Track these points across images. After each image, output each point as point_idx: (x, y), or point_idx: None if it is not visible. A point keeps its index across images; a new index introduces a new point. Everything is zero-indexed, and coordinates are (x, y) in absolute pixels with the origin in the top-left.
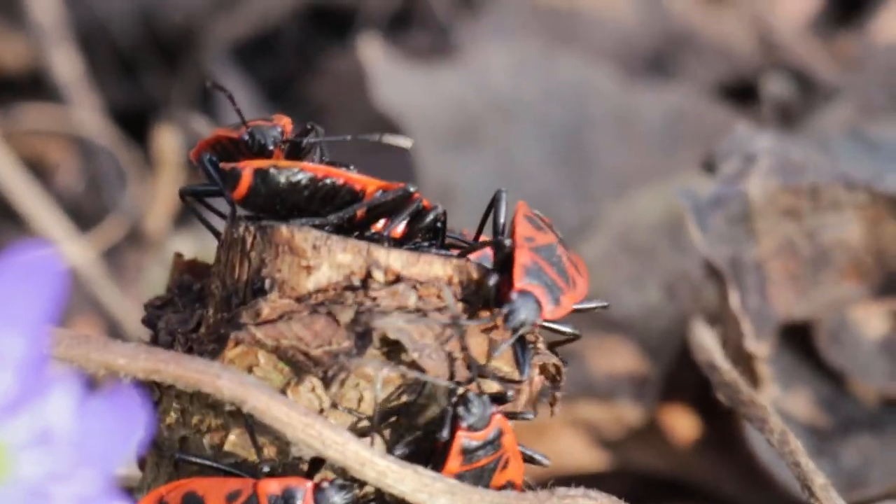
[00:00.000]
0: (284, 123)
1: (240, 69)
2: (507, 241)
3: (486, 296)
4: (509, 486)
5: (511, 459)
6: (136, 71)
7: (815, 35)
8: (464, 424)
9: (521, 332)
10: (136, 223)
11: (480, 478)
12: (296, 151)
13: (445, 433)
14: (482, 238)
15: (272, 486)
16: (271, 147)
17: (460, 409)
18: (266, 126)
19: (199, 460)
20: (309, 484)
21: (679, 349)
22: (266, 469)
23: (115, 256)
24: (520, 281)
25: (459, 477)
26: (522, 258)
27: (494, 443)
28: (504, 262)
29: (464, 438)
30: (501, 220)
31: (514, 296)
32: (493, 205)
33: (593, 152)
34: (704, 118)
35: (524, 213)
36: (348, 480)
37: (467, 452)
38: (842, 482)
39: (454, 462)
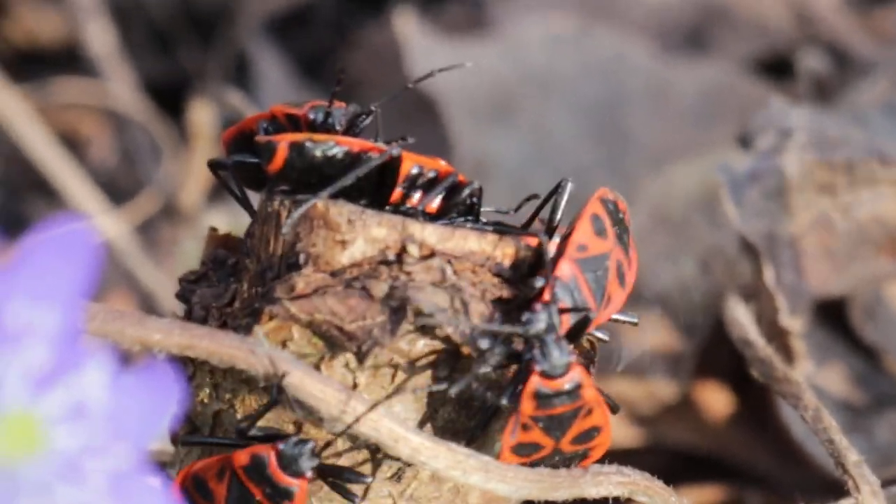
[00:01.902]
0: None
1: (275, 43)
2: (553, 243)
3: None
4: (594, 431)
5: (595, 408)
6: (170, 45)
7: (850, 9)
8: (537, 368)
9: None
10: (170, 197)
11: (559, 425)
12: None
13: (505, 400)
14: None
15: (242, 458)
16: (338, 128)
17: (535, 353)
18: (330, 106)
19: (201, 440)
20: (271, 449)
21: (713, 325)
22: None
23: (149, 231)
24: (548, 293)
25: (534, 421)
26: (562, 270)
27: (572, 394)
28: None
29: (537, 384)
30: (558, 215)
31: (538, 306)
32: (556, 193)
33: (628, 127)
34: (740, 93)
35: (594, 209)
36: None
37: (540, 398)
38: (875, 458)
39: (527, 405)
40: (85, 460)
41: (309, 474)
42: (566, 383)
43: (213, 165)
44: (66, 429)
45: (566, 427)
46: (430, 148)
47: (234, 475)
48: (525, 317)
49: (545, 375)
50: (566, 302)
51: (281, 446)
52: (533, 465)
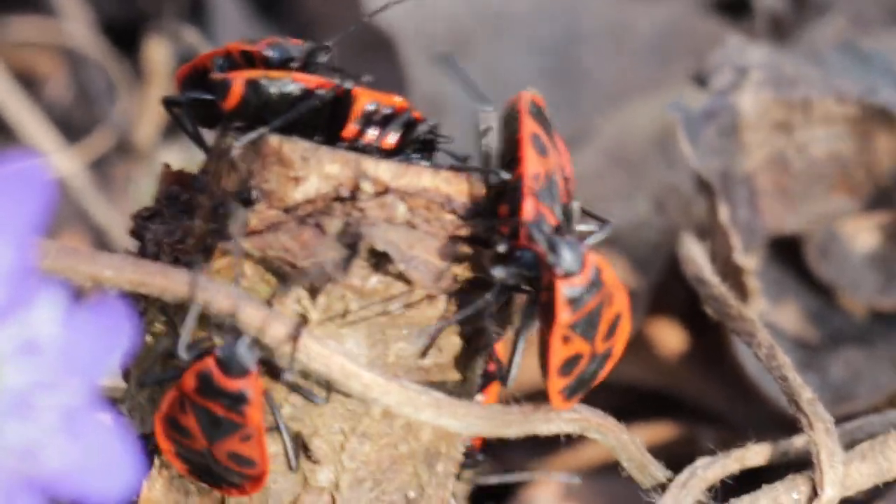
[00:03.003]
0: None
1: None
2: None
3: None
4: (616, 319)
5: (615, 293)
6: None
7: None
8: (559, 272)
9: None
10: (124, 134)
11: (591, 324)
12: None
13: (500, 273)
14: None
15: (189, 382)
16: (294, 65)
17: (551, 258)
18: (286, 43)
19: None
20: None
21: (668, 262)
22: None
23: (103, 168)
24: (524, 238)
25: (572, 329)
26: (527, 210)
27: (597, 283)
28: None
29: (565, 287)
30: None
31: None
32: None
33: (584, 66)
34: (696, 31)
35: (531, 129)
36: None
37: (574, 301)
38: (829, 396)
39: (564, 314)
40: (36, 396)
41: (254, 368)
42: (590, 273)
43: (167, 102)
44: (17, 365)
45: (597, 322)
46: (386, 87)
47: (192, 402)
48: (498, 271)
49: (569, 275)
50: (540, 243)
51: (217, 352)
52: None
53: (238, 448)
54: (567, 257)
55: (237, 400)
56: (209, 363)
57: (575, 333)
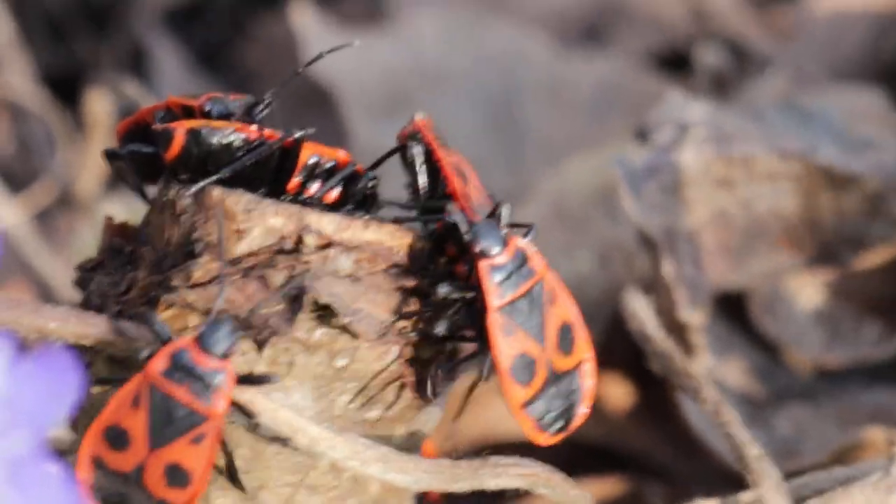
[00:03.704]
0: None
1: (171, 34)
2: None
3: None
4: (567, 328)
5: (557, 292)
6: (67, 34)
7: (748, 4)
8: (478, 250)
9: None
10: (66, 187)
11: (532, 309)
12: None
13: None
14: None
15: (159, 363)
16: (236, 118)
17: (468, 237)
18: (226, 98)
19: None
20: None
21: (612, 318)
22: None
23: (45, 220)
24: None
25: (509, 312)
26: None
27: (523, 266)
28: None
29: (486, 266)
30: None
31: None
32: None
33: (525, 121)
34: (637, 88)
35: (448, 158)
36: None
37: (500, 281)
38: (776, 452)
39: (493, 297)
40: None
41: (231, 354)
42: (513, 252)
43: (109, 155)
44: None
45: (539, 318)
46: (326, 141)
47: (153, 390)
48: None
49: (490, 253)
50: (460, 224)
51: (199, 330)
52: (531, 400)
53: (181, 456)
54: (485, 234)
55: (208, 383)
56: (187, 341)
57: (515, 323)
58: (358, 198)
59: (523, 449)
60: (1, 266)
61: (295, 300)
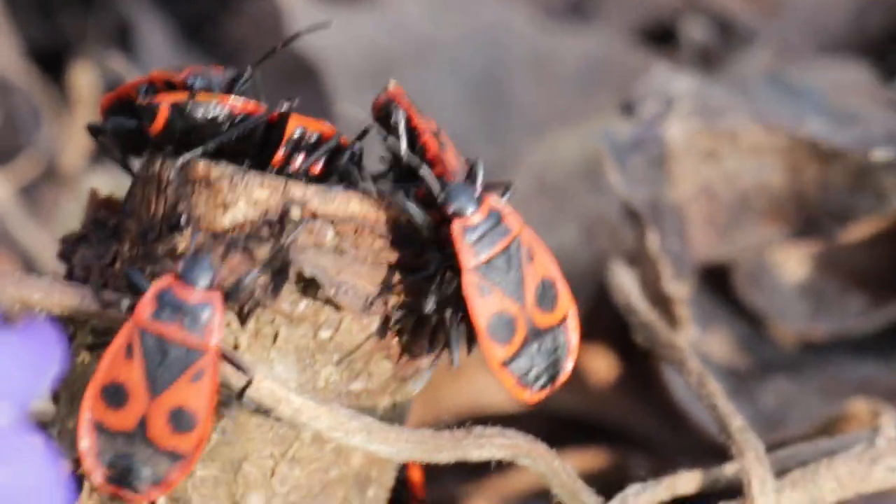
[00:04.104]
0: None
1: (156, 8)
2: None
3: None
4: (547, 284)
5: (535, 249)
6: (52, 8)
7: None
8: (451, 211)
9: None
10: (51, 160)
11: (509, 268)
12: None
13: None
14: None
15: (145, 308)
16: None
17: (441, 197)
18: (209, 71)
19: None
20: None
21: (597, 291)
22: None
23: (31, 193)
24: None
25: (485, 272)
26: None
27: (498, 225)
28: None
29: (459, 226)
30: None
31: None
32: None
33: (510, 94)
34: (623, 61)
35: (427, 126)
36: None
37: (474, 241)
38: (760, 424)
39: (467, 258)
40: None
41: (214, 283)
42: (486, 212)
43: (93, 130)
44: None
45: (517, 276)
46: (310, 114)
47: (144, 335)
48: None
49: (460, 213)
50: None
51: (178, 267)
52: (512, 357)
53: (183, 397)
54: (458, 195)
55: (199, 316)
56: (168, 280)
57: (491, 283)
58: (342, 170)
59: (507, 420)
60: None
61: (279, 272)
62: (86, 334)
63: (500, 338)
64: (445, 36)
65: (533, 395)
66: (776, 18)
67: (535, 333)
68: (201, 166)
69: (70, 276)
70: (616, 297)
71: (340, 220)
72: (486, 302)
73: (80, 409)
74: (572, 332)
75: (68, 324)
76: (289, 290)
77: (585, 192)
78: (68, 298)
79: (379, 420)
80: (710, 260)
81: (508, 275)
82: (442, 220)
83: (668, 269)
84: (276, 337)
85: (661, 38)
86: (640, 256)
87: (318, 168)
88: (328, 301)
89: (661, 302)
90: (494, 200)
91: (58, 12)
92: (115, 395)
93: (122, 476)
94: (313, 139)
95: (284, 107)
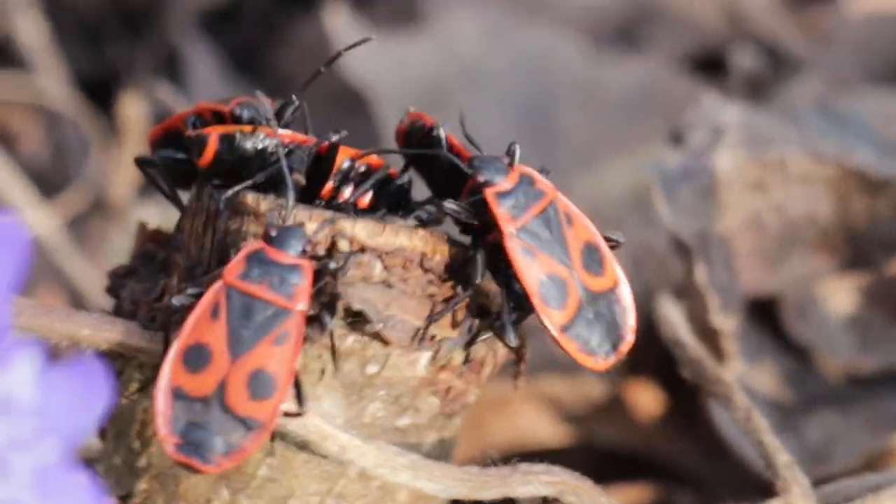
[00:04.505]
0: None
1: (205, 38)
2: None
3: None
4: (591, 248)
5: (573, 213)
6: (101, 39)
7: (783, 7)
8: (481, 180)
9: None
10: (100, 192)
11: (550, 230)
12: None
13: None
14: None
15: (236, 268)
16: (264, 123)
17: (471, 169)
18: (257, 102)
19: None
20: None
21: (644, 323)
22: None
23: (79, 225)
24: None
25: (527, 236)
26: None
27: (530, 188)
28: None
29: (491, 192)
30: None
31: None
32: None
33: (560, 123)
34: (672, 91)
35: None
36: None
37: (509, 205)
38: (806, 458)
39: (506, 222)
40: (11, 455)
41: (306, 251)
42: (517, 177)
43: (141, 163)
44: None
45: (560, 237)
46: (359, 143)
47: (231, 294)
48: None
49: (494, 182)
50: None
51: (271, 234)
52: (570, 323)
53: (265, 360)
54: (486, 164)
55: (288, 277)
56: (260, 244)
57: (534, 246)
58: (391, 202)
59: (551, 456)
60: (33, 272)
61: (327, 306)
62: (133, 370)
63: (554, 302)
64: (494, 64)
65: (599, 363)
66: (825, 47)
67: (589, 298)
68: (250, 198)
69: (118, 310)
70: (663, 331)
71: (388, 253)
72: (532, 265)
73: (160, 375)
74: (627, 298)
75: (116, 359)
76: (336, 324)
77: (634, 223)
78: (116, 334)
79: (425, 456)
80: (758, 292)
81: (551, 237)
82: (482, 227)
83: (716, 303)
84: (323, 372)
85: (709, 66)
86: (687, 289)
87: (366, 200)
88: (376, 336)
89: (709, 335)
90: (523, 167)
91: (106, 42)
92: (196, 358)
93: (194, 446)
94: (362, 170)
95: (333, 138)
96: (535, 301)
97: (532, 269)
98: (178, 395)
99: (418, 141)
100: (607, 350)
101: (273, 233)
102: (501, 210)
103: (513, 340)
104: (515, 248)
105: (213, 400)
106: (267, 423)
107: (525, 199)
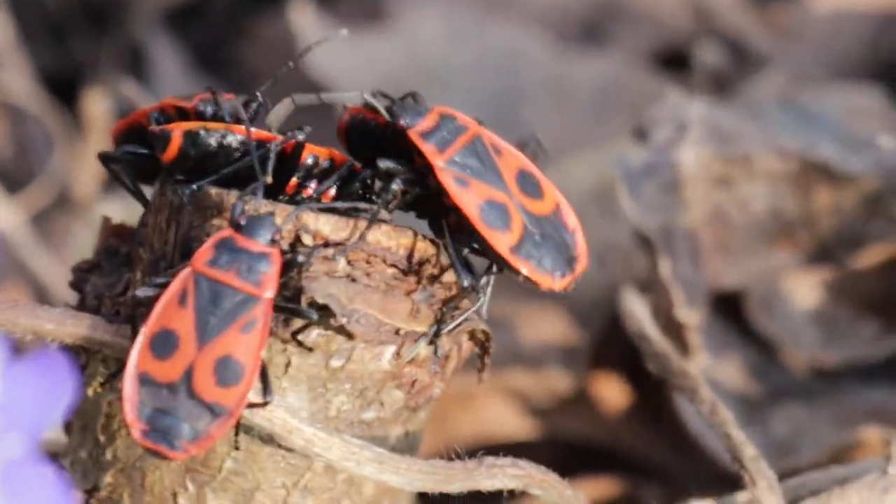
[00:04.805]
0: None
1: (170, 33)
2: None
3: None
4: (525, 174)
5: (500, 145)
6: (65, 35)
7: (748, 3)
8: (403, 123)
9: None
10: (64, 188)
11: (480, 160)
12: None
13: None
14: None
15: (204, 254)
16: (227, 119)
17: (393, 119)
18: (219, 98)
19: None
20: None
21: (609, 317)
22: None
23: (43, 221)
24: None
25: (457, 166)
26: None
27: (452, 124)
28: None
29: (414, 132)
30: None
31: None
32: None
33: (525, 120)
34: (637, 86)
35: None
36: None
37: (434, 140)
38: (772, 451)
39: (433, 156)
40: None
41: (275, 240)
42: (436, 116)
43: (104, 158)
44: None
45: (491, 165)
46: (322, 139)
47: (198, 280)
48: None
49: (411, 124)
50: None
51: (241, 222)
52: (519, 244)
53: (232, 347)
54: (405, 109)
55: (256, 264)
56: (229, 231)
57: (465, 174)
58: (354, 197)
59: (517, 449)
60: None
61: (290, 300)
62: (98, 364)
63: (498, 224)
64: (460, 61)
65: (556, 282)
66: (790, 43)
67: (533, 221)
68: (214, 193)
69: (82, 305)
70: (628, 325)
71: (353, 247)
72: (468, 192)
73: (127, 362)
74: (572, 219)
75: (80, 353)
76: (301, 318)
77: (598, 218)
78: (80, 328)
79: (391, 449)
80: (723, 287)
81: (482, 166)
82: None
83: (681, 296)
84: (287, 366)
85: (674, 62)
86: (652, 283)
87: (330, 195)
88: (340, 329)
89: (674, 329)
90: (441, 107)
91: (70, 38)
92: (164, 344)
93: (161, 433)
94: (325, 166)
95: (301, 136)
96: (479, 226)
97: (469, 197)
98: (144, 380)
99: (360, 134)
100: (563, 271)
101: (242, 221)
102: (427, 146)
103: (465, 281)
104: (448, 179)
105: (179, 386)
106: (234, 409)
107: (449, 134)
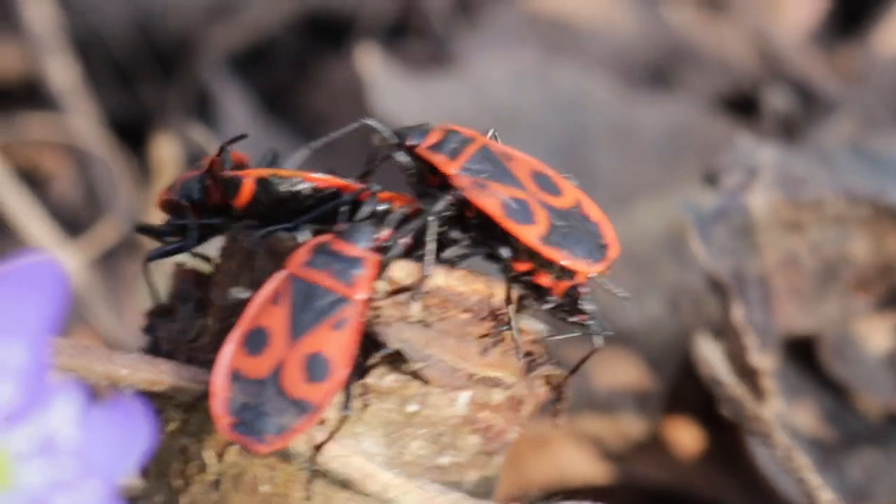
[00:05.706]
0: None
1: (236, 78)
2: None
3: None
4: (541, 175)
5: (509, 151)
6: (132, 80)
7: (816, 47)
8: (409, 144)
9: None
10: (132, 233)
11: (492, 164)
12: None
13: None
14: None
15: (301, 255)
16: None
17: (399, 141)
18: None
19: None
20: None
21: (682, 362)
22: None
23: (111, 266)
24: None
25: (470, 172)
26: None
27: (458, 136)
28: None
29: (422, 148)
30: None
31: None
32: None
33: (593, 164)
34: (705, 131)
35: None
36: None
37: (444, 152)
38: (847, 496)
39: (447, 166)
40: (53, 496)
41: (376, 246)
42: (440, 131)
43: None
44: (34, 465)
45: (504, 168)
46: (391, 183)
47: (293, 281)
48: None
49: (419, 143)
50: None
51: (340, 229)
52: (547, 234)
53: (322, 343)
54: (410, 130)
55: (351, 267)
56: (328, 237)
57: (481, 178)
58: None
59: (592, 494)
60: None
61: (366, 347)
62: (172, 409)
63: (522, 219)
64: (527, 105)
65: (592, 266)
66: (857, 86)
67: (557, 214)
68: (286, 240)
69: (155, 350)
70: (702, 370)
71: (426, 293)
72: (488, 193)
73: (217, 358)
74: (596, 210)
75: (155, 399)
76: (375, 363)
77: (669, 263)
78: (155, 374)
79: (467, 494)
80: (795, 331)
81: (496, 170)
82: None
83: (754, 341)
84: (363, 411)
85: (742, 106)
86: (724, 328)
87: (405, 241)
88: (415, 375)
89: (747, 374)
90: (444, 125)
91: (138, 83)
92: (256, 340)
93: (247, 426)
94: (397, 212)
95: (377, 187)
96: (506, 223)
97: (489, 198)
98: (235, 376)
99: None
100: (596, 256)
101: (342, 227)
102: (438, 157)
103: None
104: (464, 182)
105: (269, 382)
106: (320, 406)
107: (457, 145)
